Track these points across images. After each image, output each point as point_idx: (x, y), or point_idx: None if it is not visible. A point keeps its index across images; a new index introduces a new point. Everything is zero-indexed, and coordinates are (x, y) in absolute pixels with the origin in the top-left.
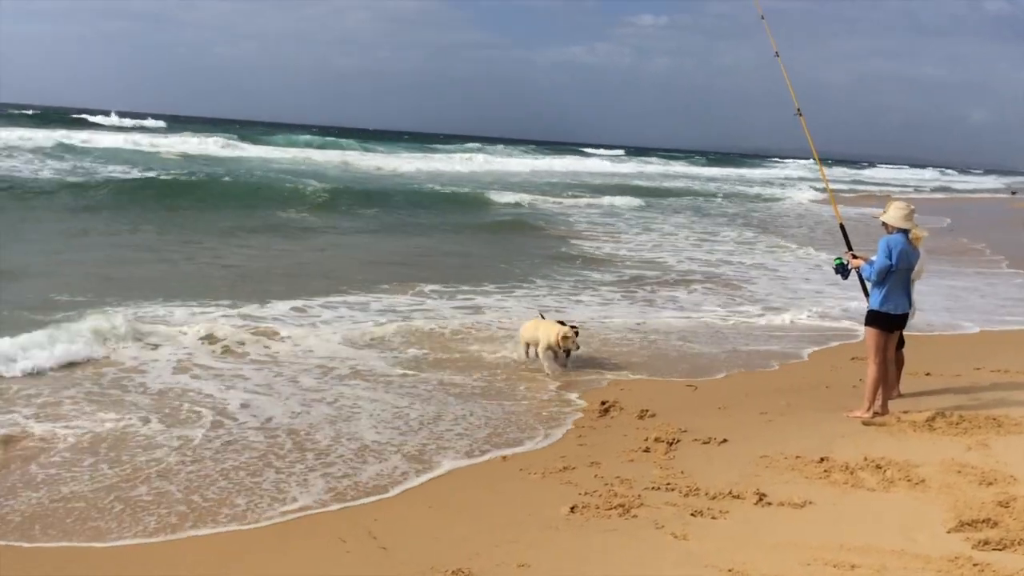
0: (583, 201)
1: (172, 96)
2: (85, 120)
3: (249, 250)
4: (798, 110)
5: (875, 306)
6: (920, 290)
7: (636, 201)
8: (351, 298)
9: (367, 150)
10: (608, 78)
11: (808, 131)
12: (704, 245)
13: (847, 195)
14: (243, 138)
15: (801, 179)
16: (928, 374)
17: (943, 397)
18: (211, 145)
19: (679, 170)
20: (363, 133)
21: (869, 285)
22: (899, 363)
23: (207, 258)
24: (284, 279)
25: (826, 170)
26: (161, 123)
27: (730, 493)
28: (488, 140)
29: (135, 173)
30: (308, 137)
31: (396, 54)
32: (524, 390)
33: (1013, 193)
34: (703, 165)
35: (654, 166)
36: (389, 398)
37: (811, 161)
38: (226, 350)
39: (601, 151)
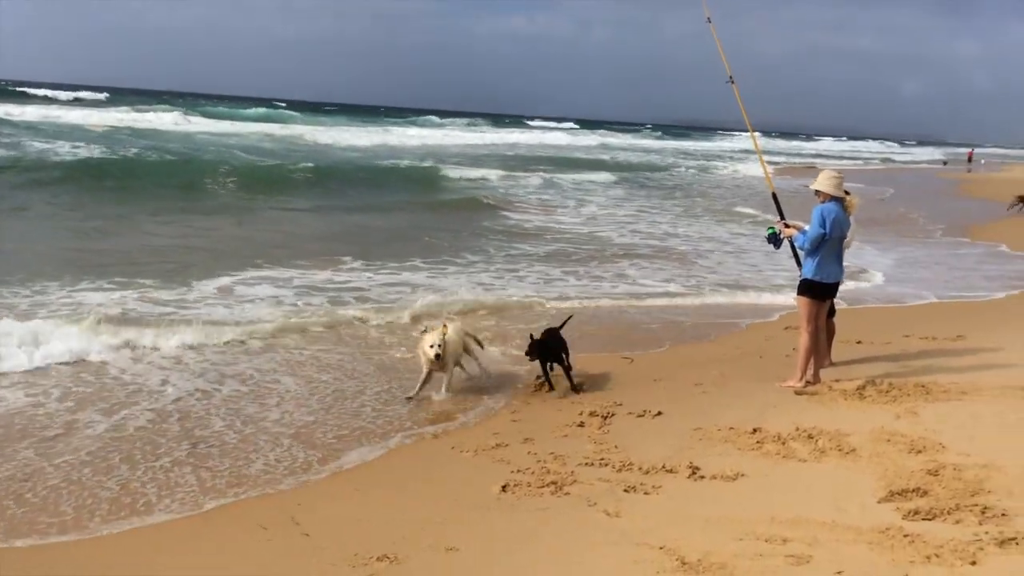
0: (568, 177)
1: (105, 66)
2: (24, 93)
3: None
4: (730, 78)
5: (808, 275)
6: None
7: (609, 176)
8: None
9: (318, 124)
10: (550, 49)
11: (740, 100)
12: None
13: (793, 167)
14: (189, 112)
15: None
16: (859, 342)
17: (874, 365)
18: (166, 120)
19: (637, 142)
20: (309, 106)
21: (802, 254)
22: (830, 332)
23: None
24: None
25: (773, 141)
26: (101, 95)
27: (663, 467)
28: (435, 112)
29: (94, 152)
30: (260, 110)
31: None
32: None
33: (944, 163)
34: (659, 138)
35: (616, 139)
36: (310, 375)
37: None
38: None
39: (551, 124)
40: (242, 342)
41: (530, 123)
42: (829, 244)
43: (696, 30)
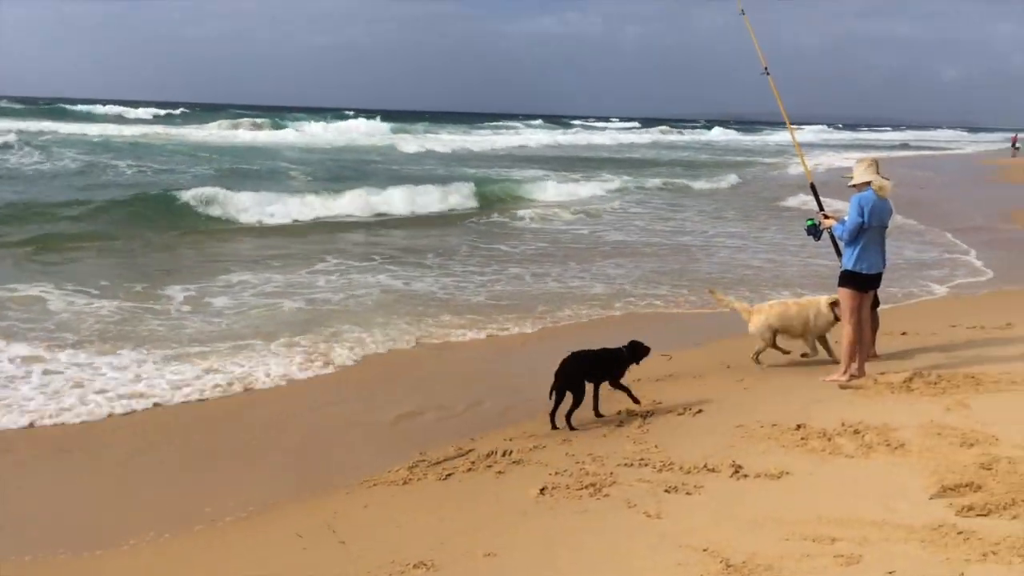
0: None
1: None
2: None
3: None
4: (765, 69)
5: (849, 266)
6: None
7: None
8: None
9: (409, 131)
10: (582, 48)
11: (777, 91)
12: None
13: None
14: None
15: (824, 144)
16: (904, 333)
17: (920, 357)
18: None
19: (710, 139)
20: (385, 114)
21: (842, 245)
22: (874, 324)
23: None
24: None
25: (838, 133)
26: (176, 111)
27: (705, 466)
28: (486, 116)
29: None
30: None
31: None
32: (496, 369)
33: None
34: (722, 132)
35: (690, 135)
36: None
37: (820, 127)
38: None
39: (602, 124)
40: None
41: (577, 123)
42: (869, 233)
43: (730, 22)
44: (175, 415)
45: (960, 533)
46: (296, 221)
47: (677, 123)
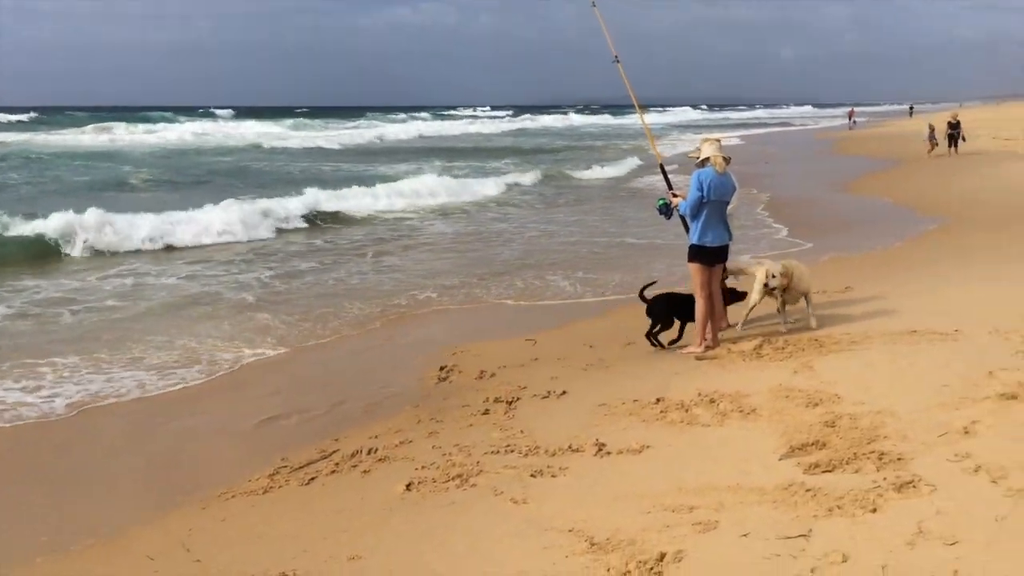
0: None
1: None
2: None
3: None
4: (615, 57)
5: (694, 240)
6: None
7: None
8: None
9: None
10: (439, 37)
11: (626, 78)
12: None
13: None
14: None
15: (691, 125)
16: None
17: (769, 324)
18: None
19: (588, 121)
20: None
21: (689, 221)
22: (725, 295)
23: None
24: None
25: (707, 114)
26: (28, 116)
27: (569, 447)
28: (355, 110)
29: None
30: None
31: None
32: (362, 364)
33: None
34: (588, 115)
35: (570, 120)
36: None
37: (684, 108)
38: None
39: (475, 112)
40: None
41: (451, 113)
42: (710, 207)
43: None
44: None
45: (808, 491)
46: None
47: (548, 109)
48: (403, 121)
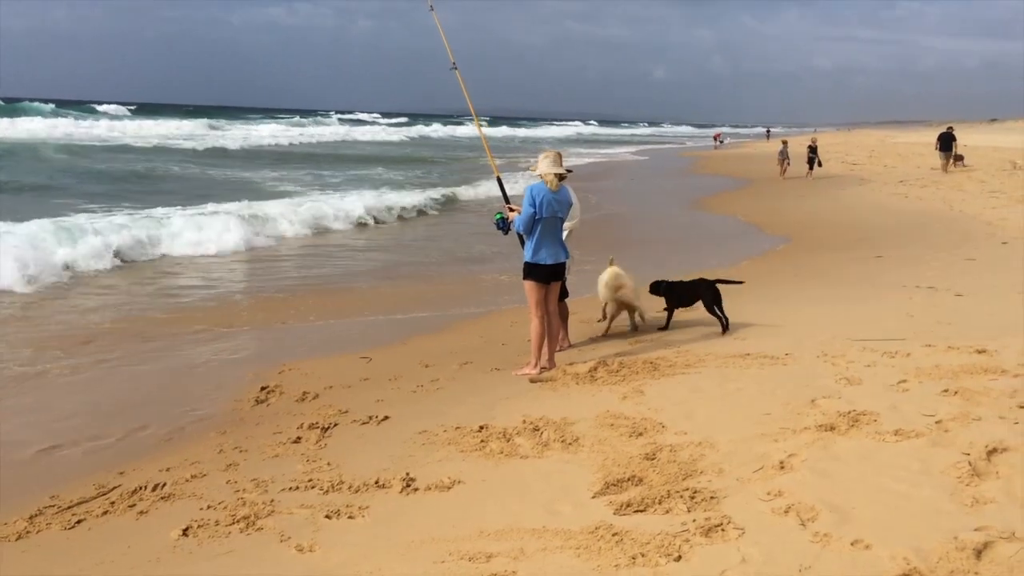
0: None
1: None
2: None
3: None
4: (453, 64)
5: (528, 258)
6: None
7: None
8: None
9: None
10: (314, 40)
11: (464, 86)
12: None
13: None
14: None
15: (584, 139)
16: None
17: (611, 343)
18: None
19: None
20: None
21: (524, 237)
22: (563, 314)
23: None
24: None
25: (554, 129)
26: None
27: (376, 483)
28: (202, 109)
29: None
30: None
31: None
32: (179, 382)
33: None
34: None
35: (464, 130)
36: None
37: (576, 122)
38: None
39: (360, 116)
40: None
41: (325, 117)
42: (544, 224)
43: (459, 21)
44: None
45: (615, 535)
46: None
47: (428, 117)
48: (314, 124)
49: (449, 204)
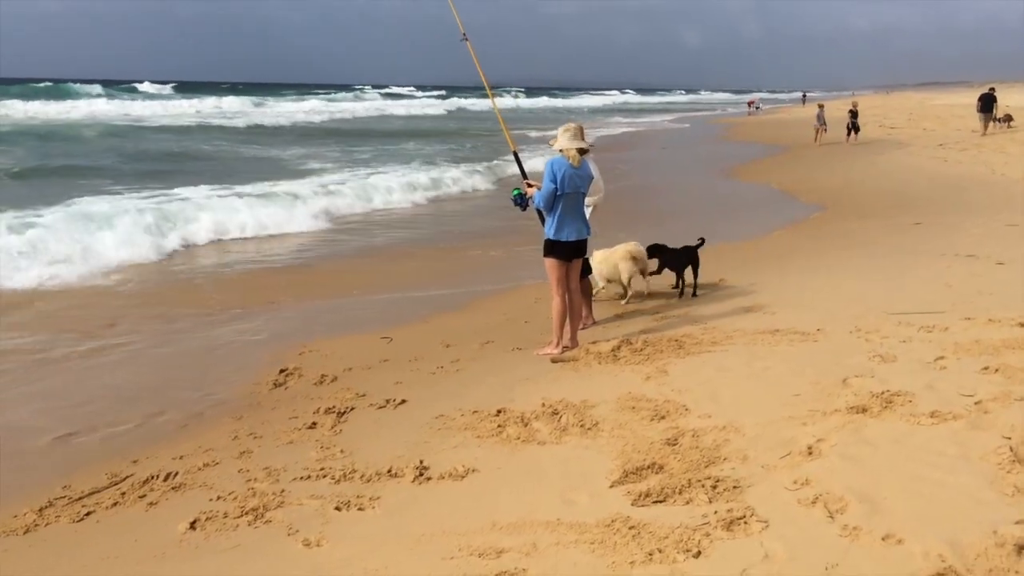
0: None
1: None
2: None
3: None
4: (464, 35)
5: (550, 235)
6: None
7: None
8: None
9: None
10: (343, 15)
11: (476, 57)
12: None
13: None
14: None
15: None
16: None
17: (635, 320)
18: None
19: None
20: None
21: (544, 213)
22: (586, 290)
23: None
24: None
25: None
26: None
27: (389, 471)
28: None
29: None
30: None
31: None
32: (200, 364)
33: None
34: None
35: (501, 101)
36: None
37: (613, 92)
38: None
39: (395, 89)
40: None
41: (367, 91)
42: (566, 200)
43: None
44: None
45: (632, 528)
46: None
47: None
48: (353, 99)
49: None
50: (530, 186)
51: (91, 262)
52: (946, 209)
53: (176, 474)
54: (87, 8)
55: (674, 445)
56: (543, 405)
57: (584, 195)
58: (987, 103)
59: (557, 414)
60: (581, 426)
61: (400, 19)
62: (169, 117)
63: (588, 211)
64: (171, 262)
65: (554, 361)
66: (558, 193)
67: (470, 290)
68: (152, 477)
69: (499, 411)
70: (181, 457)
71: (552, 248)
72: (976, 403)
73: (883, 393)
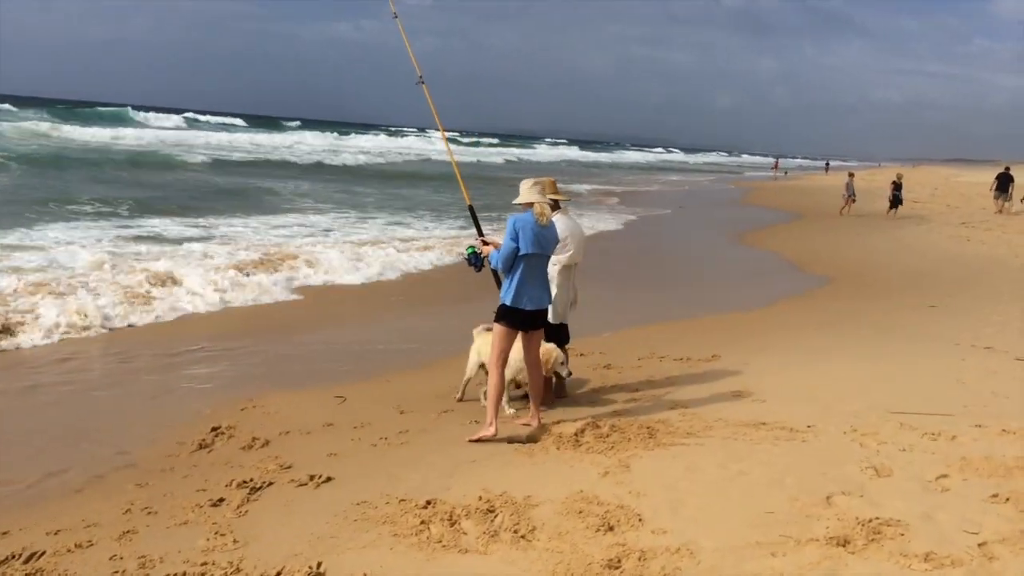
0: None
1: None
2: None
3: None
4: (420, 79)
5: (506, 300)
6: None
7: None
8: None
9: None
10: (377, 56)
11: (432, 102)
12: None
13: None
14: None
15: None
16: (607, 367)
17: (611, 397)
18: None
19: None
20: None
21: (501, 275)
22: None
23: None
24: None
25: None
26: None
27: (277, 575)
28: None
29: None
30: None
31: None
32: (130, 413)
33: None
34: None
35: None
36: None
37: (658, 149)
38: None
39: (435, 134)
40: None
41: (403, 130)
42: (527, 262)
43: (516, 40)
44: None
45: None
46: None
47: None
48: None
49: None
50: (485, 244)
51: None
52: (964, 292)
53: (42, 554)
54: (129, 36)
55: (616, 569)
56: (480, 499)
57: (548, 258)
58: (1004, 183)
59: (493, 512)
60: (515, 532)
61: (434, 69)
62: (289, 151)
63: (554, 269)
64: None
65: (509, 442)
66: (519, 254)
67: (445, 348)
68: (13, 556)
69: (428, 502)
70: (57, 532)
71: (504, 314)
72: (980, 544)
73: (871, 521)
